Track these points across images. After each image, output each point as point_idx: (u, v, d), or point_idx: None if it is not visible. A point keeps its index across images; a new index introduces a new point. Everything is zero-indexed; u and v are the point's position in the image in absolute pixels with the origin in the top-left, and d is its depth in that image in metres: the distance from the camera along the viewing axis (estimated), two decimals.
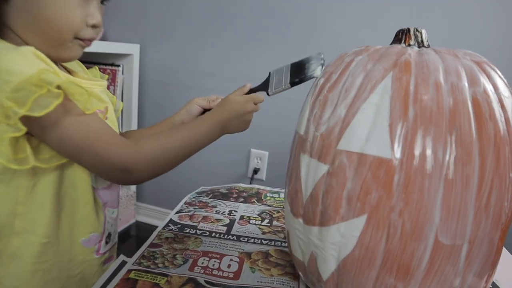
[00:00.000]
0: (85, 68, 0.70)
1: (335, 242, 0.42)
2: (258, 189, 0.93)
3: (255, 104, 0.70)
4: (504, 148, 0.39)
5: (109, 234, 0.67)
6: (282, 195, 0.90)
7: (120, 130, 0.79)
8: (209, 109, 0.77)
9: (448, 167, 0.37)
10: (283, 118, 1.56)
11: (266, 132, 1.62)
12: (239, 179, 1.70)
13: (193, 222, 0.73)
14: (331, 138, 0.43)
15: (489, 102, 0.39)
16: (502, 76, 0.43)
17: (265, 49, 1.53)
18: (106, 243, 0.66)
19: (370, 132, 0.40)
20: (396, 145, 0.38)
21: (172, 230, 0.69)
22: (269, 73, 0.72)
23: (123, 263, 0.58)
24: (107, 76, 0.79)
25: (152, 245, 0.63)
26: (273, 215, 0.78)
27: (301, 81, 0.64)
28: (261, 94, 0.70)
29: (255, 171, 1.66)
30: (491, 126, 0.38)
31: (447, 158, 0.37)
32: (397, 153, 0.38)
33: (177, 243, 0.64)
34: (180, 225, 0.71)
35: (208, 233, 0.69)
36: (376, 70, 0.42)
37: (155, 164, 0.58)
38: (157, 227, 0.70)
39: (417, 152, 0.37)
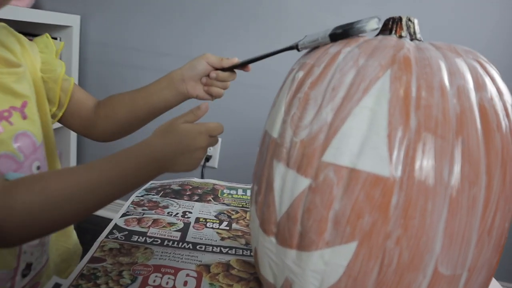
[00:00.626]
0: (23, 41, 0.57)
1: (316, 270, 0.36)
2: (214, 184, 0.85)
3: (212, 136, 0.51)
4: (510, 163, 0.34)
5: (28, 265, 0.53)
6: (240, 192, 0.83)
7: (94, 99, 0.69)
8: (220, 69, 0.64)
9: (453, 188, 0.32)
10: (238, 103, 1.48)
11: (219, 117, 1.52)
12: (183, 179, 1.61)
13: (142, 227, 0.63)
14: (314, 146, 0.36)
15: (496, 110, 0.34)
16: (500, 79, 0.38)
17: (218, 29, 1.42)
18: (24, 276, 0.52)
19: (364, 143, 0.33)
20: (395, 161, 0.32)
21: (117, 238, 0.59)
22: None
23: (57, 286, 0.48)
24: (61, 44, 0.66)
25: (93, 259, 0.53)
26: (232, 216, 0.71)
27: (346, 33, 0.42)
28: (221, 125, 0.52)
29: (207, 158, 1.57)
30: (498, 138, 0.33)
31: (453, 177, 0.31)
32: (397, 170, 0.32)
33: (124, 256, 0.55)
34: (126, 232, 0.61)
35: (159, 241, 0.60)
36: (370, 66, 0.35)
37: (34, 225, 0.39)
38: (106, 219, 0.60)
39: (419, 169, 0.31)
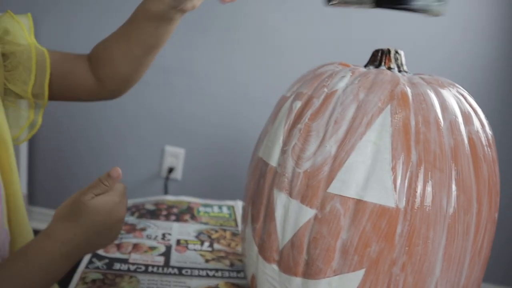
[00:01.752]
0: None
1: None
2: (189, 202, 0.84)
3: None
4: (495, 189, 0.37)
5: None
6: (216, 209, 0.83)
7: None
8: None
9: (450, 216, 0.34)
10: (200, 112, 1.47)
11: (183, 128, 1.51)
12: (151, 179, 1.56)
13: (123, 253, 0.61)
14: (319, 178, 0.37)
15: (481, 142, 0.37)
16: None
17: (185, 38, 1.41)
18: None
19: (369, 175, 0.35)
20: (399, 192, 0.34)
21: (98, 268, 0.57)
22: None
23: None
24: (29, 15, 0.56)
25: None
26: (212, 236, 0.71)
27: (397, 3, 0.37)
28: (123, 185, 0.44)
29: (170, 170, 1.54)
30: (485, 168, 0.37)
31: (451, 205, 0.34)
32: (401, 201, 0.34)
33: (109, 287, 0.53)
34: (107, 260, 0.59)
35: (143, 267, 0.58)
36: (371, 101, 0.37)
37: None
38: None
39: (421, 200, 0.34)
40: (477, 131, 0.37)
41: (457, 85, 0.43)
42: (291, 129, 0.41)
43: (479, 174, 0.36)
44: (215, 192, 1.40)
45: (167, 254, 0.63)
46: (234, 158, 1.50)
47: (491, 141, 0.39)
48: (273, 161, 0.42)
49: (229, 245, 0.68)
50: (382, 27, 1.35)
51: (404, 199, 0.34)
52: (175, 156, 1.55)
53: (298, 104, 0.42)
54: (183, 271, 0.59)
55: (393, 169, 0.34)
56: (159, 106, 1.50)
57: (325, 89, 0.40)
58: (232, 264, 0.62)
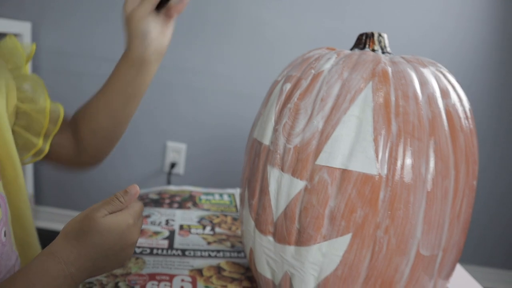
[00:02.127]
0: None
1: (315, 262, 0.40)
2: (191, 191, 0.87)
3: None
4: (472, 158, 0.40)
5: None
6: (217, 197, 0.86)
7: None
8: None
9: (429, 181, 0.37)
10: (200, 108, 1.50)
11: (183, 123, 1.54)
12: (154, 175, 1.60)
13: None
14: (308, 151, 0.40)
15: (458, 114, 0.40)
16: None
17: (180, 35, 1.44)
18: None
19: (353, 146, 0.38)
20: (381, 161, 0.37)
21: None
22: None
23: None
24: (33, 46, 0.55)
25: None
26: (213, 221, 0.74)
27: None
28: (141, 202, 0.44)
29: (172, 165, 1.57)
30: (462, 137, 0.39)
31: (429, 172, 0.37)
32: (383, 169, 0.37)
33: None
34: None
35: (148, 250, 0.61)
36: (354, 79, 0.40)
37: None
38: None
39: (402, 167, 0.37)
40: (454, 104, 0.40)
41: (437, 64, 0.45)
42: (282, 109, 0.44)
43: (456, 143, 0.39)
44: (217, 185, 1.43)
45: (171, 238, 0.66)
46: (234, 151, 1.53)
47: (468, 114, 0.42)
48: (266, 140, 0.45)
49: (230, 228, 0.71)
50: (376, 18, 1.37)
51: (386, 167, 0.37)
52: (177, 151, 1.58)
53: (288, 86, 0.45)
54: (186, 253, 0.62)
55: (375, 140, 0.37)
56: (160, 103, 1.53)
57: (312, 71, 0.43)
58: (233, 246, 0.65)
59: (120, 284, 0.52)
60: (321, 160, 0.39)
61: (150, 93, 1.48)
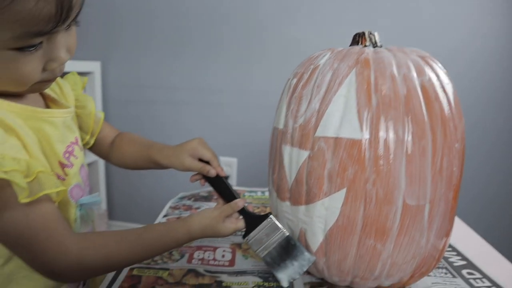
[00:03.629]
0: (59, 81, 0.63)
1: (321, 216, 0.49)
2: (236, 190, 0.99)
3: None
4: (449, 123, 0.48)
5: None
6: (259, 194, 0.97)
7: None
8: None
9: (407, 142, 0.45)
10: (250, 125, 1.64)
11: (234, 139, 1.68)
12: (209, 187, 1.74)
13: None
14: (309, 127, 0.50)
15: (434, 88, 0.48)
16: (442, 67, 0.53)
17: (218, 56, 1.61)
18: (84, 283, 0.62)
19: (342, 119, 0.47)
20: (364, 128, 0.46)
21: None
22: (269, 214, 0.57)
23: None
24: (85, 79, 0.72)
25: None
26: (255, 211, 0.84)
27: (269, 266, 0.56)
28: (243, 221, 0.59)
29: (226, 178, 1.70)
30: (437, 106, 0.47)
31: (406, 135, 0.45)
32: (366, 134, 0.46)
33: None
34: None
35: None
36: (342, 68, 0.50)
37: (94, 273, 0.51)
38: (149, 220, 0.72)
39: (381, 132, 0.46)
40: (430, 80, 0.48)
41: (421, 51, 0.54)
42: (290, 99, 0.55)
43: (431, 110, 0.47)
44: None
45: None
46: None
47: (447, 89, 0.49)
48: (281, 125, 0.56)
49: None
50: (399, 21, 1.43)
51: (368, 132, 0.46)
52: (229, 165, 1.72)
53: (294, 81, 0.56)
54: None
55: (358, 112, 0.46)
56: (211, 121, 1.69)
57: (312, 66, 0.54)
58: None
59: (174, 252, 0.64)
60: (319, 132, 0.49)
61: (202, 112, 1.65)
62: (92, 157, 1.56)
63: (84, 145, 0.69)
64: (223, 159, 1.71)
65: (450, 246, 0.72)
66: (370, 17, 1.46)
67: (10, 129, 0.43)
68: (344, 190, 0.47)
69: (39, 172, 0.42)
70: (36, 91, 0.51)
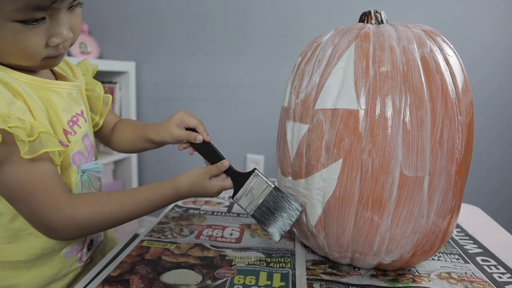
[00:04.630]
0: (72, 65, 0.68)
1: (319, 188, 0.49)
2: None
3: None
4: (451, 95, 0.47)
5: (91, 241, 0.63)
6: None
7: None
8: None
9: (405, 111, 0.45)
10: (275, 122, 1.65)
11: (261, 136, 1.70)
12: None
13: (196, 205, 0.80)
14: (309, 101, 0.51)
15: (435, 59, 0.47)
16: (448, 41, 0.52)
17: (244, 55, 1.64)
18: (88, 249, 0.62)
19: (340, 90, 0.48)
20: (361, 98, 0.46)
21: (178, 211, 0.76)
22: (254, 170, 0.59)
23: (135, 236, 0.65)
24: (96, 66, 0.74)
25: (160, 222, 0.70)
26: None
27: (260, 223, 0.56)
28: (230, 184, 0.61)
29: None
30: (438, 77, 0.47)
31: (403, 104, 0.45)
32: (362, 104, 0.46)
33: (183, 220, 0.71)
34: (185, 208, 0.78)
35: (211, 212, 0.76)
36: (342, 42, 0.50)
37: (87, 229, 0.54)
38: None
39: (378, 101, 0.45)
40: (431, 51, 0.48)
41: (426, 26, 0.53)
42: (294, 77, 0.56)
43: (431, 81, 0.46)
44: None
45: (230, 206, 0.79)
46: None
47: (450, 61, 0.48)
48: (286, 103, 0.57)
49: None
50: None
51: (364, 102, 0.46)
52: (256, 162, 1.74)
53: (299, 59, 0.57)
54: (241, 215, 0.74)
55: (355, 83, 0.47)
56: (237, 118, 1.72)
57: (315, 44, 0.55)
58: None
59: (184, 229, 0.67)
60: (318, 105, 0.49)
61: (229, 109, 1.69)
62: (125, 153, 1.63)
63: (94, 126, 0.72)
64: (250, 156, 1.73)
65: (467, 235, 0.70)
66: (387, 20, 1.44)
67: (17, 94, 0.47)
68: (340, 161, 0.47)
69: (41, 132, 0.46)
70: (47, 67, 0.55)
